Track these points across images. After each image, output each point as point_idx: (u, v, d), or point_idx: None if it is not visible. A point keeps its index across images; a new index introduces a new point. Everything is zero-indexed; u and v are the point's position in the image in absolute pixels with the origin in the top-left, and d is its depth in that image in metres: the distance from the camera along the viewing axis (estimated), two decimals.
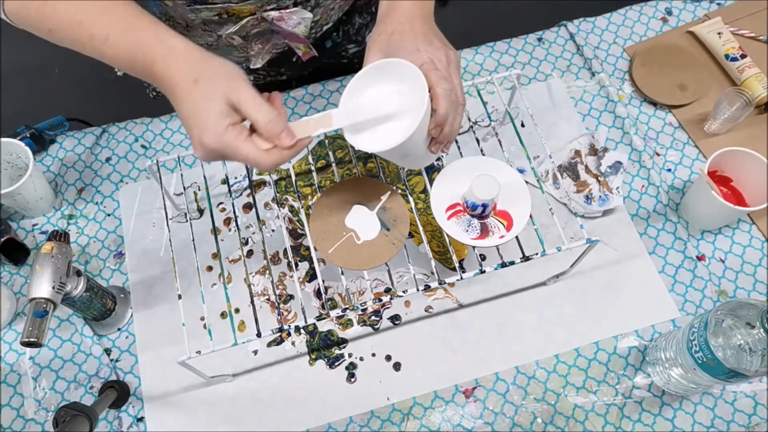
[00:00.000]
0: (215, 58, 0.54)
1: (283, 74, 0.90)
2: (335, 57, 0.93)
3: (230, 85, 0.52)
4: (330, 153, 0.73)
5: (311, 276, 0.83)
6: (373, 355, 0.78)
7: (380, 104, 0.57)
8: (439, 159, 0.89)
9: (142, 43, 0.54)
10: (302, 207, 0.72)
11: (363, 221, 0.67)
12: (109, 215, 0.87)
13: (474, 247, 0.66)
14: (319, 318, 0.65)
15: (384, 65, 0.57)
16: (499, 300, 0.80)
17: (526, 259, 0.66)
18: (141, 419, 0.75)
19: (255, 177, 0.89)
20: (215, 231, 0.71)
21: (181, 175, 0.77)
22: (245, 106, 0.52)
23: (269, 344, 0.79)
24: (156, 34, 0.54)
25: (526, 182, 0.69)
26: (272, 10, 0.71)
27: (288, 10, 0.71)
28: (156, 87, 0.55)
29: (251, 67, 0.80)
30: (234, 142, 0.51)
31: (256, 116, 0.52)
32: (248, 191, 0.88)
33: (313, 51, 0.78)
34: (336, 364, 0.77)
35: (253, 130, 0.53)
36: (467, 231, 0.66)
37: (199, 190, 0.88)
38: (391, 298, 0.65)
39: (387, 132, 0.57)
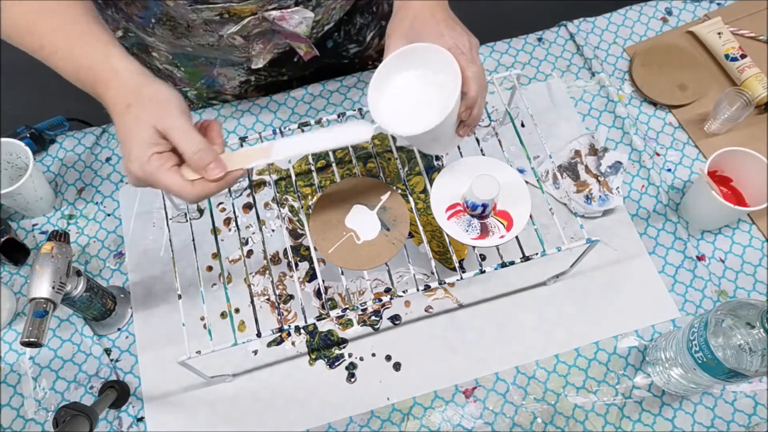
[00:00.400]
0: (154, 84, 0.53)
1: (284, 74, 0.90)
2: (336, 57, 0.93)
3: (161, 112, 0.51)
4: (330, 153, 0.73)
5: (311, 276, 0.83)
6: (373, 355, 0.78)
7: (410, 90, 0.59)
8: (439, 159, 0.89)
9: (88, 61, 0.54)
10: (302, 207, 0.72)
11: (363, 221, 0.67)
12: (109, 215, 0.87)
13: (474, 247, 0.66)
14: (319, 318, 0.65)
15: (411, 51, 0.57)
16: (499, 300, 0.80)
17: (526, 259, 0.66)
18: (141, 419, 0.75)
19: (255, 177, 0.89)
20: (215, 231, 0.71)
21: None
22: (172, 134, 0.51)
23: (269, 344, 0.79)
24: (105, 53, 0.54)
25: (526, 182, 0.69)
26: (273, 9, 0.71)
27: (289, 10, 0.71)
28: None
29: (252, 67, 0.80)
30: (156, 172, 0.51)
31: (183, 146, 0.51)
32: (248, 191, 0.88)
33: (315, 51, 0.78)
34: (336, 364, 0.77)
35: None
36: (467, 231, 0.66)
37: None
38: (391, 298, 0.65)
39: (418, 117, 0.57)
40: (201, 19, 0.70)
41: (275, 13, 0.71)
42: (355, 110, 0.76)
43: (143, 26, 0.75)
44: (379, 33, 0.92)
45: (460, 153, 0.73)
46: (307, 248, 0.83)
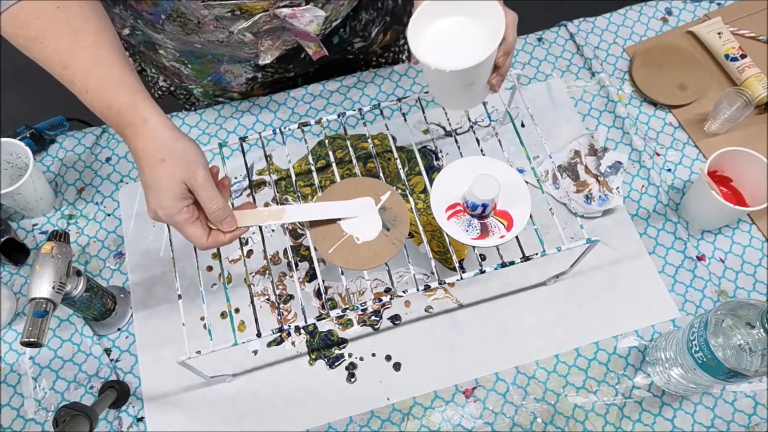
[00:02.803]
0: (182, 141, 0.58)
1: (291, 71, 0.90)
2: (341, 52, 0.93)
3: (191, 170, 0.57)
4: (330, 153, 0.73)
5: (311, 276, 0.83)
6: (373, 355, 0.78)
7: (451, 32, 0.61)
8: (438, 159, 0.89)
9: (117, 106, 0.57)
10: None
11: (363, 221, 0.67)
12: (109, 215, 0.87)
13: (474, 247, 0.66)
14: (319, 318, 0.65)
15: None
16: (499, 300, 0.80)
17: (526, 259, 0.66)
18: (141, 419, 0.75)
19: (255, 177, 0.89)
20: None
21: None
22: (201, 194, 0.58)
23: (269, 344, 0.79)
24: (133, 100, 0.58)
25: (526, 182, 0.69)
26: (285, 6, 0.71)
27: (300, 8, 0.71)
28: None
29: (260, 63, 0.80)
30: (184, 223, 0.58)
31: (208, 204, 0.58)
32: (248, 191, 0.88)
33: (324, 50, 0.79)
34: (336, 364, 0.77)
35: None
36: (467, 231, 0.66)
37: None
38: (391, 298, 0.65)
39: (460, 55, 0.59)
40: (212, 15, 0.70)
41: (286, 11, 0.71)
42: (355, 110, 0.76)
43: (152, 23, 0.75)
44: (383, 28, 0.93)
45: (460, 153, 0.73)
46: (307, 248, 0.83)
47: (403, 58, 1.05)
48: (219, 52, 0.82)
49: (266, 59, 0.79)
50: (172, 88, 1.00)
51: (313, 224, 0.67)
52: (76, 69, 0.58)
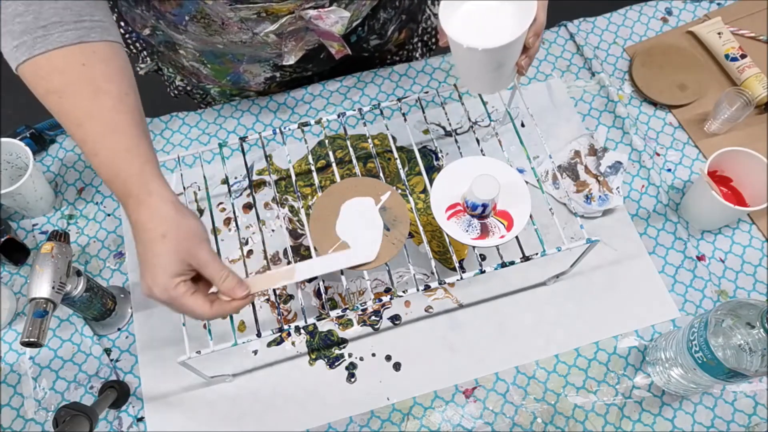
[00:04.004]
0: (186, 218, 0.57)
1: (309, 70, 0.90)
2: (358, 51, 0.93)
3: (193, 245, 0.56)
4: (330, 153, 0.73)
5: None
6: (373, 355, 0.78)
7: (482, 12, 0.62)
8: (438, 159, 0.89)
9: (125, 175, 0.56)
10: (302, 207, 0.72)
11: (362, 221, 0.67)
12: (109, 215, 0.87)
13: (474, 247, 0.66)
14: (319, 318, 0.65)
15: None
16: (499, 300, 0.80)
17: (526, 259, 0.66)
18: (141, 419, 0.75)
19: (255, 177, 0.89)
20: (215, 231, 0.71)
21: (181, 175, 0.76)
22: (207, 269, 0.57)
23: (269, 344, 0.79)
24: (141, 171, 0.56)
25: (526, 182, 0.69)
26: (311, 8, 0.71)
27: (326, 9, 0.71)
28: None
29: (284, 63, 0.79)
30: (182, 297, 0.56)
31: (217, 277, 0.57)
32: (248, 191, 0.88)
33: (347, 49, 0.79)
34: (336, 364, 0.77)
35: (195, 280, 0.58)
36: (467, 231, 0.66)
37: (199, 190, 0.88)
38: (391, 298, 0.65)
39: (491, 34, 0.60)
40: (238, 17, 0.70)
41: (312, 12, 0.71)
42: (355, 110, 0.76)
43: (175, 23, 0.75)
44: (399, 27, 0.93)
45: (460, 153, 0.73)
46: (307, 248, 0.83)
47: (417, 56, 1.05)
48: (239, 52, 0.82)
49: (290, 60, 0.79)
50: (188, 88, 1.00)
51: (314, 224, 0.67)
52: (89, 131, 0.56)
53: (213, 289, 0.59)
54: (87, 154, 0.57)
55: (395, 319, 0.80)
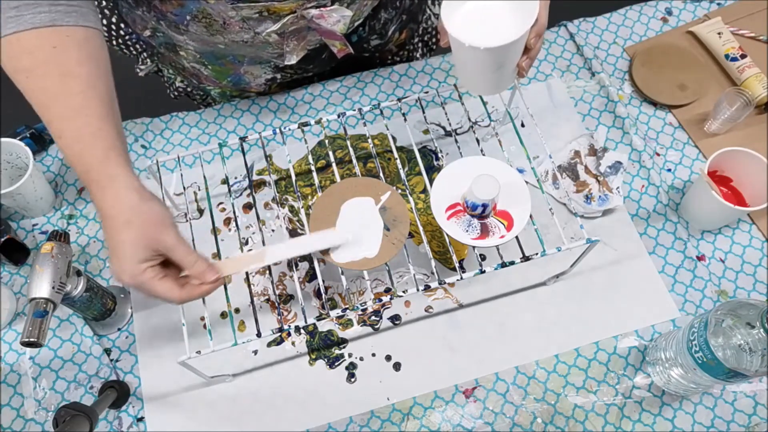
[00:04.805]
0: (149, 202, 0.57)
1: (310, 70, 0.90)
2: (358, 51, 0.93)
3: (158, 231, 0.56)
4: (330, 153, 0.73)
5: (311, 276, 0.83)
6: (373, 355, 0.78)
7: (485, 12, 0.62)
8: (438, 159, 0.89)
9: (88, 159, 0.56)
10: (302, 207, 0.72)
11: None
12: None
13: (474, 247, 0.66)
14: (319, 318, 0.65)
15: None
16: (499, 300, 0.80)
17: (526, 259, 0.66)
18: (141, 419, 0.75)
19: (255, 177, 0.89)
20: (215, 231, 0.71)
21: (181, 175, 0.77)
22: (174, 253, 0.56)
23: (269, 344, 0.79)
24: (106, 156, 0.56)
25: (526, 182, 0.69)
26: (313, 7, 0.71)
27: (328, 8, 0.71)
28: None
29: (285, 63, 0.79)
30: (150, 282, 0.56)
31: (185, 261, 0.57)
32: (248, 191, 0.88)
33: (349, 48, 0.79)
34: (336, 364, 0.77)
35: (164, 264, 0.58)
36: (467, 231, 0.66)
37: (199, 190, 0.88)
38: (391, 298, 0.65)
39: (493, 33, 0.60)
40: (240, 16, 0.70)
41: (314, 12, 0.71)
42: (355, 110, 0.76)
43: (176, 24, 0.74)
44: (399, 27, 0.93)
45: (460, 153, 0.73)
46: None
47: (417, 56, 1.05)
48: (241, 53, 0.82)
49: (291, 60, 0.79)
50: (189, 89, 1.00)
51: (314, 224, 0.67)
52: (54, 113, 0.56)
53: (184, 273, 0.59)
54: (53, 135, 0.57)
55: (395, 319, 0.80)
